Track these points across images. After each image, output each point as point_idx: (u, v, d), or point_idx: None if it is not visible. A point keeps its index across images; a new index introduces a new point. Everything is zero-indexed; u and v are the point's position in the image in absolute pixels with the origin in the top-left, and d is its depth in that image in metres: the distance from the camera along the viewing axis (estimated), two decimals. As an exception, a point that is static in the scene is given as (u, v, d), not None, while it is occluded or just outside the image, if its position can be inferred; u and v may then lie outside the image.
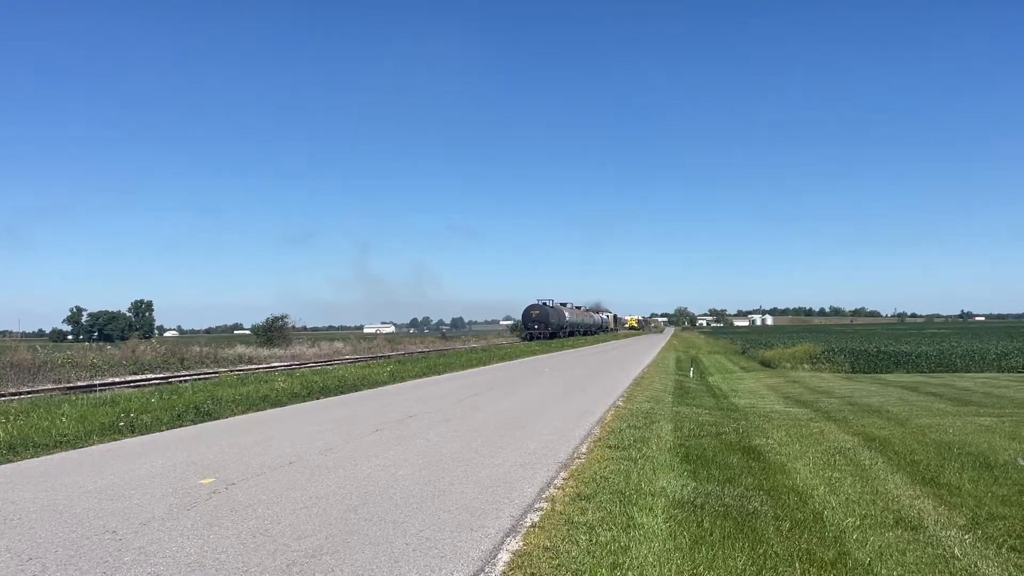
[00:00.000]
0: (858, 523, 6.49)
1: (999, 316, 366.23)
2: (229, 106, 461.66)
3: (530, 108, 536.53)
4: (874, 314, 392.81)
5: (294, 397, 16.48)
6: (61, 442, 10.31)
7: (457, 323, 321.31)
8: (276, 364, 33.71)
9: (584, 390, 19.26)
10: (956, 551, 5.79)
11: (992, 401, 19.59)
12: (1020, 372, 33.36)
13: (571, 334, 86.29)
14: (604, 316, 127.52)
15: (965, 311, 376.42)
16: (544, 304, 78.07)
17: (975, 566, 5.49)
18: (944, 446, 10.64)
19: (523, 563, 5.25)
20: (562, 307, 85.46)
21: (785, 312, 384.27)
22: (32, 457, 9.42)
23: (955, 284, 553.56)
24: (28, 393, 18.87)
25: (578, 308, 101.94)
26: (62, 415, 12.16)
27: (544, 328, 75.24)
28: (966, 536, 6.23)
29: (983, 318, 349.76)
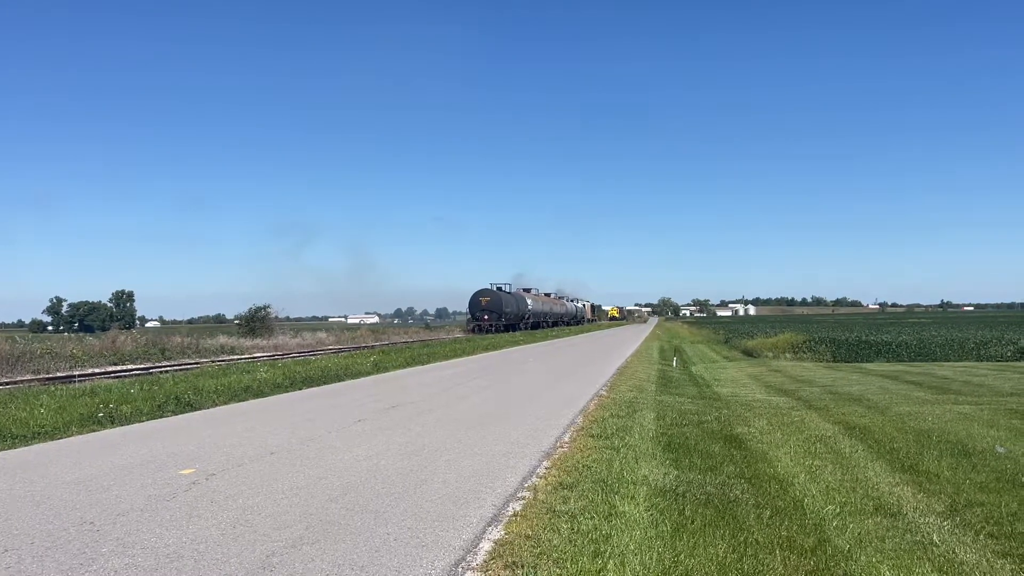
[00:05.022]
0: (838, 510, 6.53)
1: (979, 305, 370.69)
2: (211, 94, 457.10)
3: (515, 99, 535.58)
4: (856, 304, 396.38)
5: (276, 387, 16.38)
6: (39, 433, 10.19)
7: (441, 313, 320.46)
8: (259, 354, 33.48)
9: (568, 379, 19.29)
10: (935, 538, 5.84)
11: (971, 389, 19.81)
12: (999, 361, 33.78)
13: (536, 326, 74.11)
14: (579, 305, 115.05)
15: (945, 301, 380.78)
16: (499, 289, 65.02)
17: (953, 552, 5.54)
18: (923, 434, 10.74)
19: (504, 552, 5.25)
20: (524, 293, 74.44)
21: (768, 302, 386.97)
22: (9, 448, 9.30)
23: (935, 274, 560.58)
24: (6, 384, 18.62)
25: (546, 295, 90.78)
26: (40, 406, 12.02)
27: (496, 318, 61.27)
28: (945, 523, 6.28)
29: (971, 308, 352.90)
